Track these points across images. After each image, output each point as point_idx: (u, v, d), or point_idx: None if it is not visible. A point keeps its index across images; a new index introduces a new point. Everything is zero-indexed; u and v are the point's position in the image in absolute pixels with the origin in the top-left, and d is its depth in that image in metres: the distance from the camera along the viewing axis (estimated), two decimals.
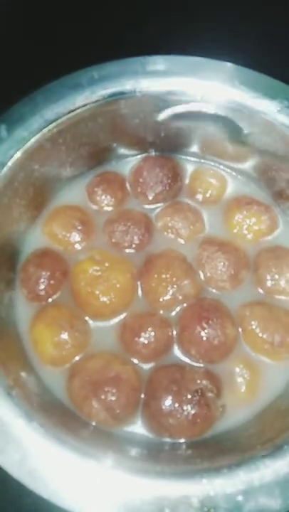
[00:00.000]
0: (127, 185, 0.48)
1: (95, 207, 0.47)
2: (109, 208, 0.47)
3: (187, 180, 0.49)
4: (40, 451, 0.29)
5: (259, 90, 0.39)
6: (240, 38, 0.53)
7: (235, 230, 0.46)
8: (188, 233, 0.45)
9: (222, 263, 0.43)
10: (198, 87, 0.40)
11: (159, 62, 0.40)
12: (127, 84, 0.40)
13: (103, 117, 0.41)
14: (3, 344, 0.36)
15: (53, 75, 0.40)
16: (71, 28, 0.58)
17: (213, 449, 0.33)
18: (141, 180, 0.47)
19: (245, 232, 0.46)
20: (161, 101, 0.40)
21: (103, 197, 0.46)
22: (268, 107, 0.39)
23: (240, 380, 0.39)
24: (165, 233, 0.46)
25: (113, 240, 0.44)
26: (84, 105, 0.39)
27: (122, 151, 0.47)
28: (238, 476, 0.27)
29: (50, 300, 0.42)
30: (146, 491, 0.27)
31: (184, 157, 0.49)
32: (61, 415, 0.35)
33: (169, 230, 0.46)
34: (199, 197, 0.48)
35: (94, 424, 0.36)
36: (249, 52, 0.42)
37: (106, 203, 0.47)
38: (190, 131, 0.44)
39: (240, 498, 0.27)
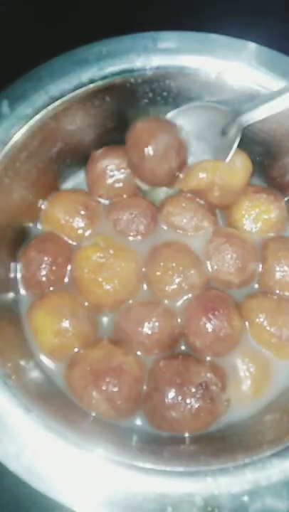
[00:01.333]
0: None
1: (99, 192, 0.45)
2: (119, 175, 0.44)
3: None
4: (37, 444, 0.28)
5: (277, 71, 0.37)
6: (261, 17, 0.50)
7: (243, 220, 0.44)
8: (195, 226, 0.43)
9: (229, 255, 0.41)
10: (213, 65, 0.38)
11: (171, 39, 0.38)
12: (137, 61, 0.37)
13: (111, 96, 0.39)
14: (2, 331, 0.35)
15: (58, 50, 0.38)
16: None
17: (217, 446, 0.32)
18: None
19: (254, 221, 0.44)
20: (173, 80, 0.38)
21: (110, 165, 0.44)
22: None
23: (245, 374, 0.38)
24: (171, 223, 0.44)
25: (118, 228, 0.43)
26: (91, 82, 0.37)
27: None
28: (244, 476, 0.26)
29: (51, 287, 0.40)
30: (148, 487, 0.26)
31: None
32: (60, 405, 0.34)
33: (176, 227, 0.44)
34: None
35: (94, 415, 0.35)
36: (270, 32, 0.40)
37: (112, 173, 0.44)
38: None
39: (245, 498, 0.26)
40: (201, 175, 0.42)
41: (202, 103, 0.40)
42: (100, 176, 0.44)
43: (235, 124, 0.38)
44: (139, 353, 0.38)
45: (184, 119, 0.41)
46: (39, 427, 0.28)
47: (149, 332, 0.38)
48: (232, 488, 0.26)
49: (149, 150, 0.39)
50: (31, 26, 0.53)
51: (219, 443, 0.33)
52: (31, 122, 0.36)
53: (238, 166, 0.42)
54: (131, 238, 0.43)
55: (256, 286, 0.43)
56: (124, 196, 0.45)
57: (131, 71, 0.38)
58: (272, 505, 0.25)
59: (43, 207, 0.44)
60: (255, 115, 0.37)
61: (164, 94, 0.40)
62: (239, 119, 0.38)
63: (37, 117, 0.36)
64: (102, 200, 0.45)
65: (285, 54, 0.38)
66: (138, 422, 0.36)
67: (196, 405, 0.34)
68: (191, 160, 0.42)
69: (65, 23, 0.52)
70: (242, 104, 0.38)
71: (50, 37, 0.45)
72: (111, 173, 0.44)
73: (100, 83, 0.37)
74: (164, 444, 0.34)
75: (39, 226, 0.44)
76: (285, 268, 0.42)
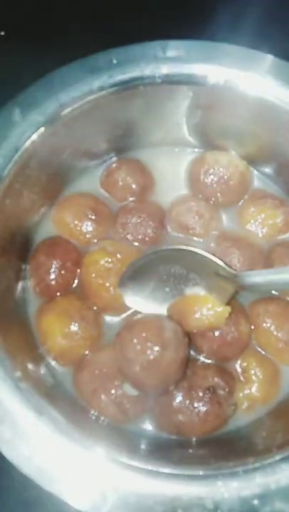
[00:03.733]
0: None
1: (109, 196, 0.46)
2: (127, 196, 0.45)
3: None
4: (49, 447, 0.28)
5: (285, 79, 0.38)
6: (269, 28, 0.50)
7: (249, 225, 0.45)
8: (203, 231, 0.44)
9: (236, 259, 0.42)
10: (221, 73, 0.38)
11: (180, 47, 0.39)
12: (147, 69, 0.38)
13: (120, 103, 0.39)
14: (12, 335, 0.35)
15: (70, 57, 0.39)
16: (90, 9, 0.56)
17: (226, 449, 0.32)
18: None
19: (260, 226, 0.44)
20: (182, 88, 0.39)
21: (121, 183, 0.45)
22: None
23: (252, 378, 0.38)
24: (179, 229, 0.44)
25: (126, 232, 0.43)
26: (101, 90, 0.37)
27: (139, 140, 0.46)
28: (254, 479, 0.26)
29: (60, 291, 0.41)
30: (158, 491, 0.26)
31: (196, 150, 0.47)
32: (70, 409, 0.34)
33: (184, 227, 0.44)
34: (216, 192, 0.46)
35: (103, 418, 0.35)
36: (278, 42, 0.40)
37: (125, 190, 0.45)
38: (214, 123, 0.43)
39: (255, 501, 0.26)
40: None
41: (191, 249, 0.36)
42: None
43: (229, 280, 0.35)
44: None
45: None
46: (50, 429, 0.28)
47: None
48: (242, 492, 0.26)
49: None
50: (43, 34, 0.54)
51: (228, 447, 0.33)
52: (42, 129, 0.36)
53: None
54: (139, 242, 0.43)
55: None
56: (132, 199, 0.45)
57: (140, 79, 0.38)
58: (281, 508, 0.26)
59: (52, 211, 0.44)
60: (253, 279, 0.35)
61: (173, 102, 0.41)
62: (236, 279, 0.35)
63: (48, 124, 0.36)
64: (110, 204, 0.45)
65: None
66: (147, 425, 0.37)
67: (204, 409, 0.35)
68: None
69: (77, 31, 0.53)
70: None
71: (62, 45, 0.46)
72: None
73: (109, 91, 0.38)
74: (173, 447, 0.34)
75: (48, 230, 0.44)
76: None
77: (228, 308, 0.37)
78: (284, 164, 0.45)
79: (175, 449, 0.34)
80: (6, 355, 0.31)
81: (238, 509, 0.26)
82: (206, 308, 0.37)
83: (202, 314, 0.37)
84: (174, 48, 0.39)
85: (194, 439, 0.35)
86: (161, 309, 0.39)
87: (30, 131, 0.36)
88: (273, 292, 0.42)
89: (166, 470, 0.27)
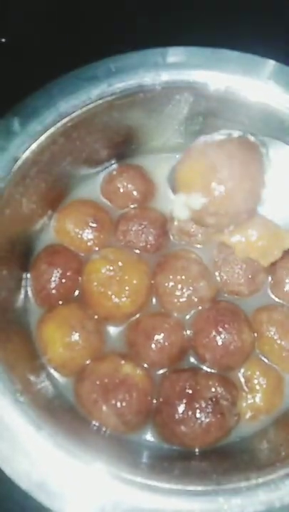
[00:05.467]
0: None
1: (110, 203, 0.46)
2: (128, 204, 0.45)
3: None
4: (48, 462, 0.28)
5: (286, 85, 0.37)
6: (270, 32, 0.50)
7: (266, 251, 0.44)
8: (205, 237, 0.43)
9: (239, 266, 0.41)
10: (222, 80, 0.38)
11: (180, 54, 0.38)
12: (146, 77, 0.38)
13: (119, 111, 0.39)
14: (12, 345, 0.35)
15: (68, 66, 0.39)
16: (86, 20, 0.56)
17: (228, 463, 0.32)
18: None
19: (277, 252, 0.44)
20: (182, 94, 0.39)
21: (122, 191, 0.45)
22: None
23: (256, 387, 0.38)
24: (181, 235, 0.44)
25: (127, 239, 0.43)
26: (100, 98, 0.37)
27: (139, 146, 0.46)
28: (257, 496, 0.26)
29: (61, 299, 0.41)
30: (159, 506, 0.26)
31: None
32: (71, 421, 0.34)
33: (186, 234, 0.44)
34: None
35: (104, 430, 0.35)
36: (282, 49, 0.40)
37: (125, 198, 0.45)
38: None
39: None
40: None
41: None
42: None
43: None
44: (148, 366, 0.38)
45: None
46: (50, 444, 0.28)
47: (159, 345, 0.38)
48: (244, 509, 0.26)
49: None
50: (42, 44, 0.54)
51: (230, 460, 0.33)
52: (42, 139, 0.36)
53: None
54: (140, 249, 0.43)
55: (266, 298, 0.42)
56: (133, 206, 0.45)
57: (140, 86, 0.38)
58: None
59: (52, 219, 0.44)
60: None
61: (173, 108, 0.40)
62: None
63: (47, 134, 0.36)
64: (111, 212, 0.45)
65: None
66: (148, 436, 0.36)
67: (206, 420, 0.34)
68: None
69: (75, 40, 0.53)
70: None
71: (60, 54, 0.46)
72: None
73: (109, 99, 0.38)
74: (174, 460, 0.34)
75: (49, 238, 0.44)
76: None
77: None
78: None
79: (177, 461, 0.33)
80: (6, 368, 0.31)
81: None
82: None
83: None
84: (174, 54, 0.38)
85: (197, 450, 0.35)
86: None
87: (30, 141, 0.36)
88: (277, 300, 0.42)
89: (167, 485, 0.27)
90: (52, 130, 0.37)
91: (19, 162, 0.36)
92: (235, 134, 0.33)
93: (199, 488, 0.27)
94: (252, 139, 0.34)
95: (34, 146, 0.36)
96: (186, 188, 0.34)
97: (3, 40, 0.56)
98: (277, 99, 0.37)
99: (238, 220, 0.35)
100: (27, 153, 0.36)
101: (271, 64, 0.38)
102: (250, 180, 0.33)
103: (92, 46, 0.43)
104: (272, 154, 0.34)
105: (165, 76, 0.38)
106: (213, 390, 0.36)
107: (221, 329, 0.38)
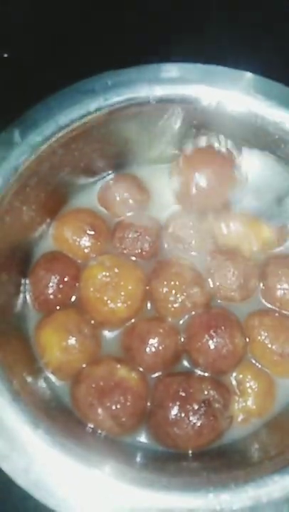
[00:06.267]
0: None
1: (107, 211, 0.47)
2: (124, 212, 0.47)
3: None
4: (45, 459, 0.28)
5: (275, 99, 0.39)
6: (258, 48, 0.52)
7: (244, 239, 0.46)
8: (198, 244, 0.45)
9: (231, 272, 0.42)
10: (213, 94, 0.40)
11: (173, 70, 0.40)
12: (141, 91, 0.39)
13: (116, 124, 0.41)
14: (11, 348, 0.36)
15: (67, 81, 0.40)
16: (84, 35, 0.58)
17: (219, 462, 0.33)
18: None
19: (254, 240, 0.45)
20: (175, 108, 0.40)
21: (119, 199, 0.46)
22: (283, 117, 0.39)
23: (248, 391, 0.39)
24: (175, 243, 0.45)
25: (123, 246, 0.44)
26: (97, 111, 0.39)
27: (135, 157, 0.47)
28: (245, 492, 0.27)
29: (59, 305, 0.42)
30: (151, 502, 0.27)
31: None
32: (67, 422, 0.35)
33: (180, 241, 0.45)
34: None
35: (99, 432, 0.35)
36: (267, 62, 0.42)
37: (122, 206, 0.46)
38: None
39: None
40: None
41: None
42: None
43: None
44: (143, 369, 0.39)
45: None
46: (47, 443, 0.29)
47: (153, 349, 0.38)
48: (234, 505, 0.26)
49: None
50: (41, 59, 0.56)
51: (221, 459, 0.33)
52: (41, 149, 0.38)
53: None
54: (136, 256, 0.44)
55: (257, 304, 0.43)
56: (129, 214, 0.46)
57: (135, 100, 0.40)
58: None
59: (51, 227, 0.46)
60: None
61: (167, 122, 0.42)
62: None
63: (46, 145, 0.38)
64: (108, 220, 0.46)
65: (281, 82, 0.40)
66: (143, 438, 0.37)
67: (199, 422, 0.35)
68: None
69: (73, 56, 0.55)
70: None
71: (59, 69, 0.48)
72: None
73: (105, 112, 0.39)
74: (167, 460, 0.34)
75: (48, 245, 0.45)
76: (286, 286, 0.42)
77: None
78: None
79: (170, 461, 0.34)
80: (5, 369, 0.32)
81: None
82: None
83: None
84: (167, 70, 0.40)
85: (190, 452, 0.35)
86: None
87: (30, 151, 0.37)
88: (269, 306, 0.43)
89: (159, 482, 0.28)
90: (51, 141, 0.38)
91: (19, 172, 0.37)
92: (215, 143, 0.41)
93: (189, 485, 0.28)
94: (226, 146, 0.41)
95: (34, 156, 0.37)
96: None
97: (6, 55, 0.59)
98: (265, 112, 0.39)
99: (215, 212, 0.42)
100: (27, 163, 0.37)
101: (259, 79, 0.40)
102: (223, 179, 0.40)
103: (89, 61, 0.45)
104: (245, 159, 0.41)
105: (159, 91, 0.39)
106: (205, 393, 0.36)
107: (213, 334, 0.38)
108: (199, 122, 0.41)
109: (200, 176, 0.40)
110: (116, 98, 0.39)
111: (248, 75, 0.40)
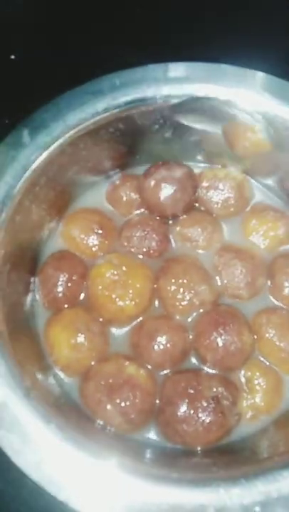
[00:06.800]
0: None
1: (114, 210, 0.47)
2: (132, 211, 0.47)
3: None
4: (57, 454, 0.29)
5: (283, 97, 0.39)
6: (267, 47, 0.53)
7: (251, 237, 0.46)
8: (205, 243, 0.45)
9: (239, 270, 0.42)
10: (221, 93, 0.40)
11: (180, 69, 0.40)
12: (148, 91, 0.40)
13: (124, 123, 0.41)
14: (21, 346, 0.36)
15: (75, 81, 0.41)
16: (92, 36, 0.59)
17: (229, 458, 0.33)
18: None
19: (262, 238, 0.45)
20: (182, 107, 0.41)
21: (126, 199, 0.47)
22: None
23: (256, 388, 0.39)
24: (183, 241, 0.46)
25: (131, 245, 0.45)
26: (105, 111, 0.39)
27: (143, 157, 0.48)
28: (255, 487, 0.27)
29: (67, 303, 0.42)
30: (162, 498, 0.27)
31: (202, 165, 0.49)
32: (78, 418, 0.35)
33: (187, 239, 0.45)
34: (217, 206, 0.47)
35: (109, 428, 0.36)
36: (276, 61, 0.42)
37: (129, 205, 0.47)
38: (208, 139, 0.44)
39: (257, 509, 0.26)
40: None
41: None
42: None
43: None
44: (151, 367, 0.39)
45: None
46: (59, 437, 0.29)
47: (161, 347, 0.39)
48: (244, 500, 0.27)
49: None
50: (50, 60, 0.57)
51: (231, 456, 0.34)
52: (50, 149, 0.38)
53: None
54: (143, 255, 0.44)
55: (265, 301, 0.44)
56: (137, 212, 0.47)
57: (143, 100, 0.40)
58: None
59: (59, 226, 0.46)
60: None
61: (174, 120, 0.42)
62: None
63: (55, 145, 0.38)
64: (115, 219, 0.47)
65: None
66: (152, 435, 0.37)
67: (208, 419, 0.35)
68: None
69: (82, 56, 0.55)
70: None
71: (68, 70, 0.49)
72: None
73: (113, 112, 0.39)
74: (177, 456, 0.35)
75: (56, 244, 0.45)
76: None
77: None
78: (284, 177, 0.46)
79: (180, 458, 0.34)
80: (16, 366, 0.32)
81: None
82: None
83: None
84: (175, 69, 0.40)
85: (199, 448, 0.36)
86: None
87: (39, 151, 0.38)
88: (276, 303, 0.43)
89: (169, 476, 0.28)
90: (60, 141, 0.38)
91: (29, 171, 0.37)
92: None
93: (200, 480, 0.28)
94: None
95: (43, 156, 0.38)
96: None
97: (13, 57, 0.59)
98: (273, 109, 0.39)
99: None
100: (36, 162, 0.38)
101: (266, 77, 0.40)
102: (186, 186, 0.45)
103: (97, 62, 0.45)
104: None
105: (166, 90, 0.40)
106: (214, 390, 0.36)
107: (221, 331, 0.39)
108: (206, 121, 0.41)
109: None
110: (124, 98, 0.39)
111: (256, 73, 0.40)
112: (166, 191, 0.44)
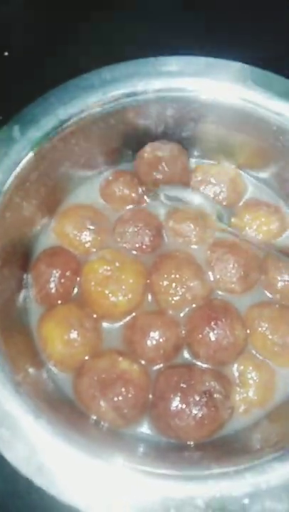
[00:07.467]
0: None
1: (107, 205, 0.47)
2: (125, 207, 0.47)
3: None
4: (47, 448, 0.29)
5: (273, 91, 0.39)
6: (255, 40, 0.52)
7: (244, 231, 0.46)
8: (198, 238, 0.45)
9: (231, 265, 0.43)
10: (211, 87, 0.40)
11: (171, 63, 0.40)
12: (139, 85, 0.40)
13: (115, 118, 0.41)
14: (13, 341, 0.36)
15: (66, 76, 0.41)
16: (82, 31, 0.59)
17: (221, 451, 0.33)
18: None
19: (255, 233, 0.46)
20: (174, 101, 0.40)
21: (119, 194, 0.47)
22: (281, 108, 0.39)
23: (249, 381, 0.39)
24: (175, 236, 0.46)
25: (123, 241, 0.45)
26: (96, 106, 0.39)
27: (135, 152, 0.47)
28: (244, 479, 0.27)
29: (60, 299, 0.42)
30: (152, 490, 0.27)
31: (195, 160, 0.49)
32: (69, 413, 0.35)
33: (180, 235, 0.45)
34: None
35: (102, 423, 0.36)
36: (264, 54, 0.42)
37: (122, 201, 0.47)
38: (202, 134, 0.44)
39: (246, 501, 0.27)
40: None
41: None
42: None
43: None
44: (144, 362, 0.39)
45: None
46: (49, 432, 0.29)
47: (154, 342, 0.39)
48: (233, 492, 0.27)
49: None
50: (41, 56, 0.56)
51: (223, 449, 0.34)
52: (41, 145, 0.38)
53: None
54: (136, 250, 0.44)
55: (260, 296, 0.44)
56: (130, 207, 0.47)
57: (134, 94, 0.40)
58: (271, 507, 0.26)
59: (52, 222, 0.46)
60: None
61: (166, 114, 0.42)
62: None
63: (46, 140, 0.38)
64: (108, 215, 0.47)
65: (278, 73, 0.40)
66: (145, 429, 0.37)
67: (200, 413, 0.35)
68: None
69: (72, 52, 0.55)
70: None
71: (58, 65, 0.48)
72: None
73: (105, 106, 0.39)
74: (170, 450, 0.35)
75: (49, 240, 0.45)
76: (286, 277, 0.42)
77: None
78: (276, 171, 0.46)
79: (172, 451, 0.34)
80: (7, 361, 0.32)
81: (229, 508, 0.26)
82: None
83: None
84: (165, 63, 0.40)
85: (192, 442, 0.36)
86: None
87: (30, 147, 0.38)
88: (269, 297, 0.43)
89: (160, 471, 0.28)
90: (51, 136, 0.38)
91: (20, 167, 0.37)
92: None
93: (190, 472, 0.28)
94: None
95: (34, 151, 0.38)
96: None
97: (6, 53, 0.59)
98: (263, 103, 0.39)
99: None
100: (27, 158, 0.38)
101: (258, 71, 0.40)
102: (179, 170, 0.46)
103: (87, 57, 0.45)
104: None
105: (157, 84, 0.40)
106: (206, 384, 0.36)
107: (214, 326, 0.39)
108: (197, 115, 0.41)
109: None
110: (115, 92, 0.39)
111: (246, 67, 0.40)
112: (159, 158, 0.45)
